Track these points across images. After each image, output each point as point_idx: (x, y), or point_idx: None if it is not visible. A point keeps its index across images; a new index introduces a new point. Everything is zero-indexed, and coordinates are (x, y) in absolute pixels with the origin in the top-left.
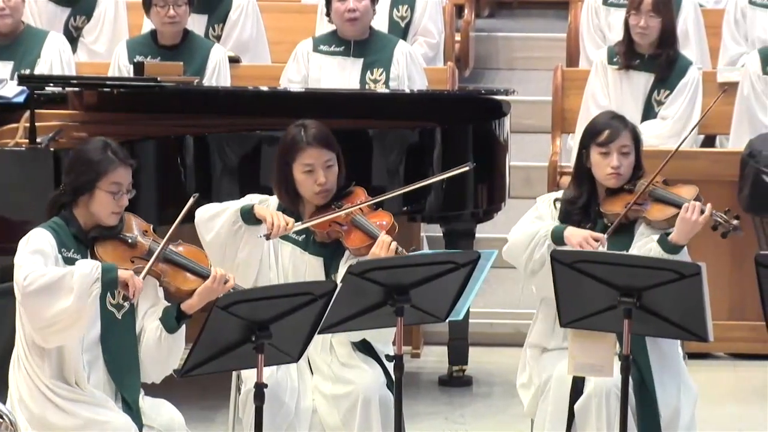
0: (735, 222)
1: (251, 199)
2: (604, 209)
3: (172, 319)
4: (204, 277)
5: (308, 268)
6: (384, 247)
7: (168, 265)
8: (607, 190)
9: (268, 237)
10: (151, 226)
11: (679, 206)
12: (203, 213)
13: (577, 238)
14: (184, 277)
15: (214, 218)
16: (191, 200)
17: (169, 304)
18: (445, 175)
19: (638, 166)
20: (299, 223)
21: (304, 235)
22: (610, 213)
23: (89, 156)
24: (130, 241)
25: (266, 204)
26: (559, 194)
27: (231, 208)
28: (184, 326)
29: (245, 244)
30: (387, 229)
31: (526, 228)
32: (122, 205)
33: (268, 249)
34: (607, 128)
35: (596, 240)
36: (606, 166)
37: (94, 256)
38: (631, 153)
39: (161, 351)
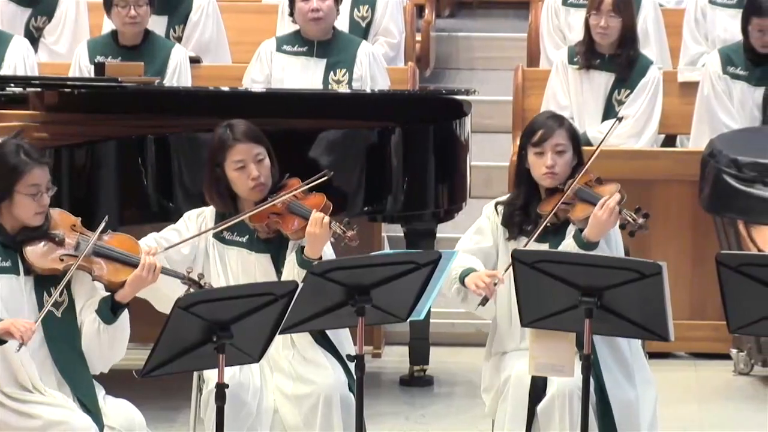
0: (641, 221)
1: (188, 217)
2: (540, 210)
3: (108, 311)
4: (134, 265)
5: (257, 267)
6: (317, 223)
7: (97, 259)
8: (546, 190)
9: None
10: (79, 220)
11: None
12: None
13: (473, 279)
14: (115, 269)
15: None
16: (103, 223)
17: (105, 295)
18: (306, 186)
19: (579, 164)
20: (220, 224)
21: (247, 236)
22: (544, 213)
23: (3, 162)
24: (57, 238)
25: (202, 216)
26: (503, 198)
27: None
28: (126, 316)
29: None
30: (320, 208)
31: (459, 247)
32: (44, 205)
33: (213, 258)
34: (541, 128)
35: (491, 276)
36: (541, 166)
37: (23, 259)
38: (567, 151)
39: (102, 342)
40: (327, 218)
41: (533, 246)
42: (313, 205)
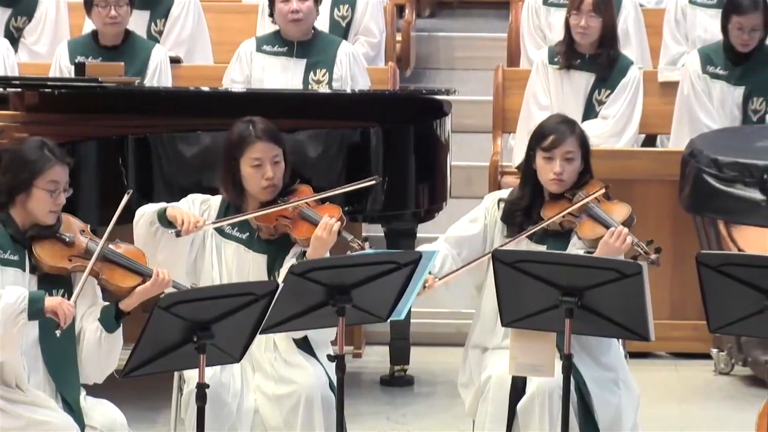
0: (654, 256)
1: (192, 200)
2: (543, 213)
3: (112, 319)
4: (142, 274)
5: (252, 266)
6: (327, 228)
7: (106, 264)
8: (550, 194)
9: (178, 234)
10: (89, 226)
11: (608, 227)
12: (138, 212)
13: None
14: (123, 275)
15: (139, 219)
16: (126, 197)
17: (107, 304)
18: (352, 187)
19: (586, 170)
20: (228, 218)
21: (248, 233)
22: (547, 218)
23: (26, 155)
24: (67, 239)
25: (207, 204)
26: (506, 193)
27: (151, 209)
28: (121, 324)
29: (164, 246)
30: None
31: (450, 231)
32: (60, 204)
33: (210, 249)
34: (552, 133)
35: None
36: (549, 172)
37: (32, 256)
38: (576, 159)
39: (101, 351)
40: (337, 225)
41: (532, 247)
42: (329, 216)
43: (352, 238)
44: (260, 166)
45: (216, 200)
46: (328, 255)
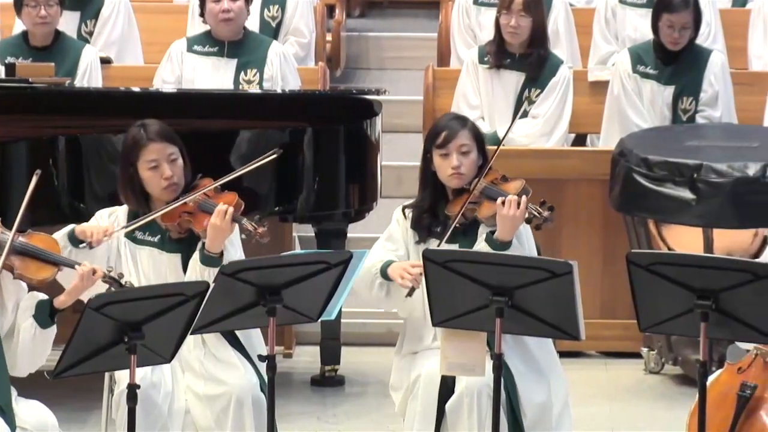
0: (546, 213)
1: (100, 215)
2: (448, 211)
3: (46, 316)
4: (56, 264)
5: (168, 267)
6: (219, 215)
7: (19, 257)
8: (453, 191)
9: (90, 246)
10: None
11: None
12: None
13: (397, 271)
14: (38, 267)
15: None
16: (34, 178)
17: (43, 299)
18: (255, 164)
19: (485, 164)
20: (136, 221)
21: (159, 236)
22: (452, 214)
23: None
24: None
25: (115, 215)
26: (410, 201)
27: (59, 234)
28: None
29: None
30: (232, 205)
31: (371, 258)
32: None
33: (125, 257)
34: (444, 130)
35: (414, 266)
36: (447, 167)
37: None
38: (472, 151)
39: (35, 347)
40: (231, 210)
41: (444, 247)
42: (225, 203)
43: (245, 219)
44: (157, 167)
45: (123, 210)
46: (241, 251)
